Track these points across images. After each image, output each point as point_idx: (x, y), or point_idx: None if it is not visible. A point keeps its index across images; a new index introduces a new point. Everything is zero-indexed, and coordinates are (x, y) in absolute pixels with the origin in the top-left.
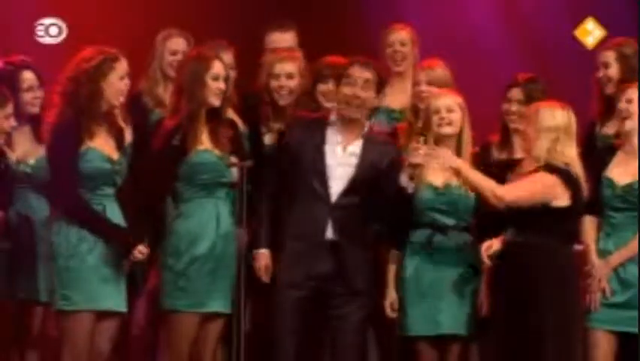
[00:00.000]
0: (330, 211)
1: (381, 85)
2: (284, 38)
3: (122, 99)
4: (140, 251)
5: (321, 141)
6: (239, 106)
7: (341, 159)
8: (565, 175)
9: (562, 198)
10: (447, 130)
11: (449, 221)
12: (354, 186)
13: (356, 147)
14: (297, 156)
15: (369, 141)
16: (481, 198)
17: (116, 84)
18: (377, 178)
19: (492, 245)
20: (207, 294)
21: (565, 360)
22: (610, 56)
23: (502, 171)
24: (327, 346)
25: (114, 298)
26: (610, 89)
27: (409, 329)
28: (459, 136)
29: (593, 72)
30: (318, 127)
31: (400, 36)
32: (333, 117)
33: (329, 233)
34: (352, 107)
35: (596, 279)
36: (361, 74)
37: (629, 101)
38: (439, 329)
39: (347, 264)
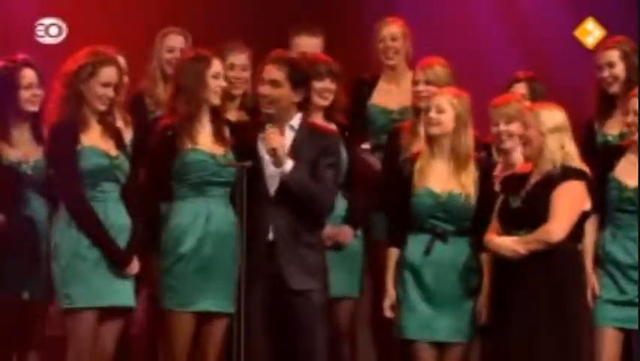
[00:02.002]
0: (270, 210)
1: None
2: (311, 43)
3: (104, 106)
4: (132, 268)
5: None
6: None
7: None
8: (588, 179)
9: (588, 203)
10: (433, 130)
11: (449, 227)
12: (285, 184)
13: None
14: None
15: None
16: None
17: (96, 90)
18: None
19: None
20: (198, 293)
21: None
22: (614, 55)
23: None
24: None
25: (119, 294)
26: (615, 88)
27: (406, 333)
28: (454, 137)
29: (594, 72)
30: (258, 129)
31: (392, 30)
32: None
33: (270, 233)
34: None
35: (592, 281)
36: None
37: (637, 114)
38: (436, 335)
39: (283, 263)
